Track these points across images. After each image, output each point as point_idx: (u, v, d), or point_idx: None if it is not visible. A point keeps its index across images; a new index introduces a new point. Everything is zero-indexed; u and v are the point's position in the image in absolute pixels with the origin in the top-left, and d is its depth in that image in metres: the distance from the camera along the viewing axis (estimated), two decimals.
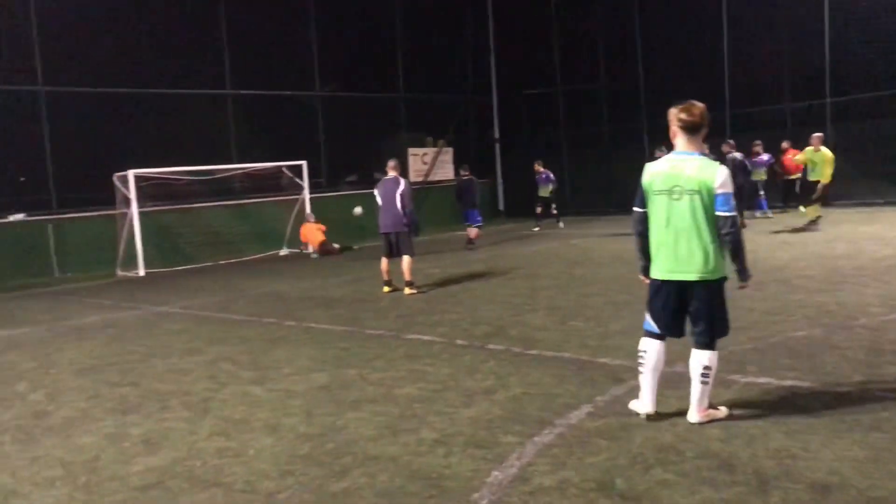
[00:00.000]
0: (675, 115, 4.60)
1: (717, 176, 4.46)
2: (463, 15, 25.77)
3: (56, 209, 17.13)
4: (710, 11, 21.65)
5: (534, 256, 14.37)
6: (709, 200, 4.47)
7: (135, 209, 16.18)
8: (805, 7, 20.47)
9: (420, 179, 24.01)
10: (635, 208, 4.79)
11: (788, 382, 4.88)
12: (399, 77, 24.00)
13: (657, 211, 4.63)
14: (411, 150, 24.33)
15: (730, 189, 4.48)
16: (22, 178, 17.68)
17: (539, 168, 19.98)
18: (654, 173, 4.66)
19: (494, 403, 5.36)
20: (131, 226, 16.34)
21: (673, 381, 5.51)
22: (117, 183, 16.62)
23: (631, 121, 23.55)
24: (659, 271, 4.68)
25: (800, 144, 18.71)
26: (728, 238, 4.48)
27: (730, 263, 4.59)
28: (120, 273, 16.39)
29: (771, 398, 4.83)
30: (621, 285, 10.02)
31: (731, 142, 17.30)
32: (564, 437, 4.60)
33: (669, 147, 4.76)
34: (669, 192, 4.54)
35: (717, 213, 4.47)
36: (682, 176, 4.51)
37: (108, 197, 17.01)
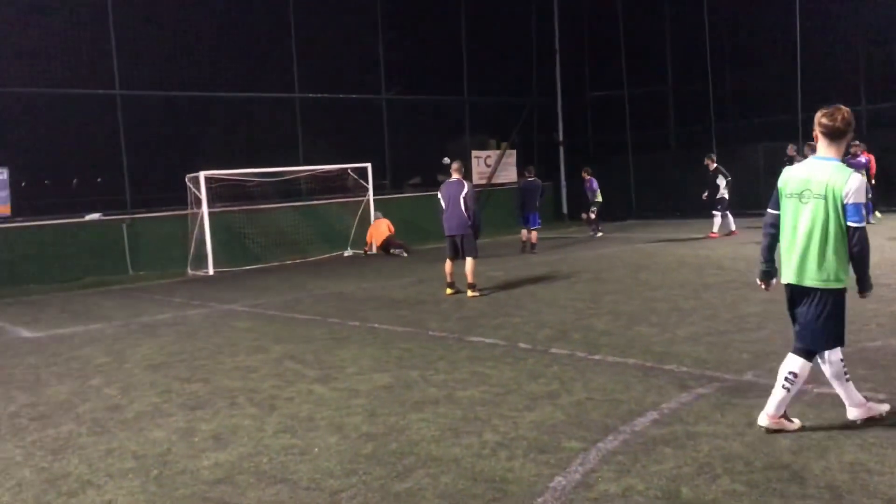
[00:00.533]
0: (818, 119, 4.51)
1: (848, 183, 4.32)
2: (528, 17, 25.67)
3: (130, 209, 17.68)
4: (782, 11, 21.06)
5: (597, 260, 14.23)
6: (834, 207, 4.35)
7: (205, 209, 16.59)
8: (882, 6, 19.80)
9: (483, 182, 24.02)
10: (769, 210, 4.72)
11: (863, 394, 4.72)
12: (464, 80, 24.05)
13: (787, 215, 4.57)
14: (475, 153, 24.39)
15: (861, 198, 4.33)
16: (98, 179, 18.34)
17: (586, 176, 19.76)
18: (789, 177, 4.60)
19: (558, 408, 5.33)
20: (202, 226, 16.76)
21: (742, 388, 5.39)
22: (189, 184, 17.07)
23: (698, 123, 23.12)
24: (783, 275, 4.63)
25: (875, 148, 18.14)
26: (855, 250, 4.36)
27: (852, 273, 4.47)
28: (190, 272, 16.82)
29: (844, 410, 4.69)
30: (688, 291, 9.85)
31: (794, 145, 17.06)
32: (629, 443, 4.55)
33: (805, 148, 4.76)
34: (800, 195, 4.48)
35: (847, 224, 4.35)
36: (814, 180, 4.42)
37: (181, 197, 17.48)
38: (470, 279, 10.78)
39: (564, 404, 5.41)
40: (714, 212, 17.19)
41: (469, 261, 10.82)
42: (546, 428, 4.92)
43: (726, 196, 17.10)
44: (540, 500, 3.85)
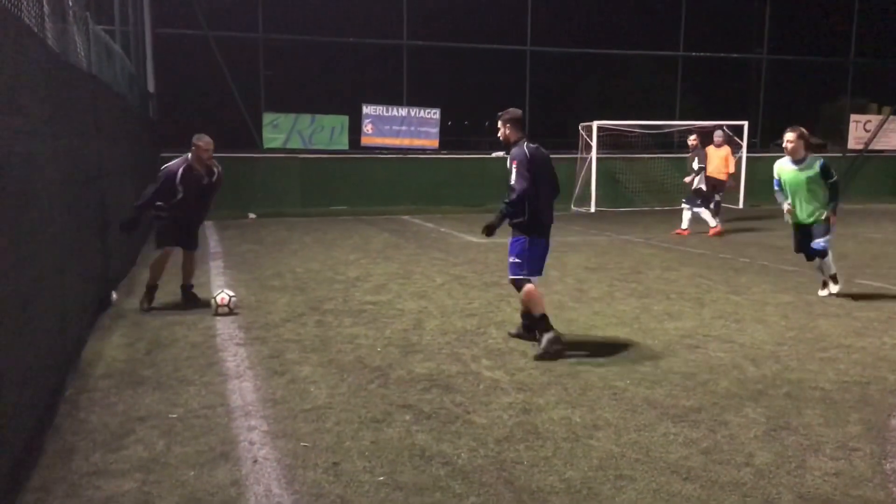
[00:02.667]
0: None
1: None
2: None
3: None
4: None
5: None
6: None
7: (594, 155, 18.98)
8: None
9: (860, 147, 23.56)
10: None
11: None
12: (852, 40, 23.54)
13: None
14: (853, 117, 23.90)
15: None
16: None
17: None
18: None
19: None
20: (589, 169, 19.20)
21: None
22: (582, 131, 19.56)
23: None
24: None
25: None
26: None
27: None
28: (574, 209, 19.40)
29: None
30: None
31: None
32: None
33: None
34: None
35: None
36: None
37: (571, 143, 20.09)
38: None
39: None
40: (685, 203, 14.38)
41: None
42: None
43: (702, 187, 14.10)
44: None
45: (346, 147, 19.56)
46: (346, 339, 6.39)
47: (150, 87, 17.03)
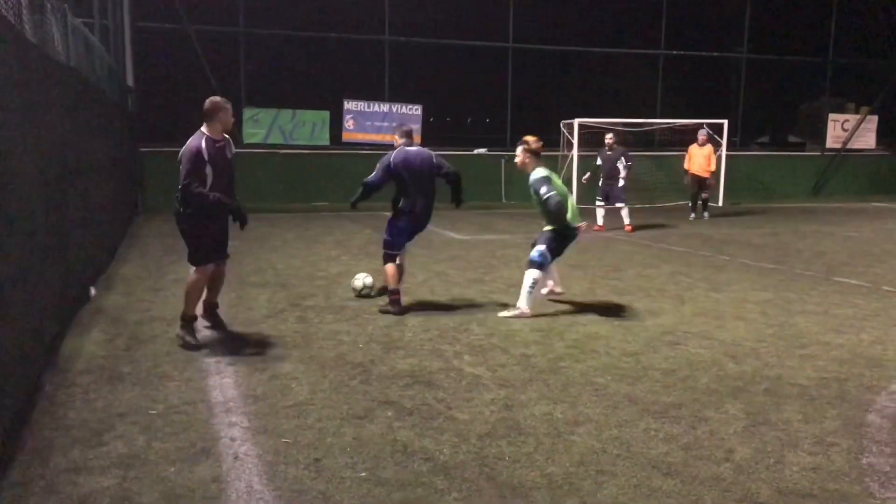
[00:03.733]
0: None
1: None
2: None
3: (509, 147, 20.71)
4: None
5: None
6: None
7: (576, 152, 19.03)
8: None
9: (838, 146, 23.81)
10: None
11: None
12: (830, 40, 23.76)
13: None
14: (832, 116, 24.14)
15: None
16: (487, 120, 21.67)
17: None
18: None
19: None
20: (570, 166, 19.24)
21: None
22: (563, 129, 19.61)
23: None
24: None
25: None
26: None
27: None
28: None
29: None
30: None
31: None
32: None
33: None
34: None
35: None
36: None
37: (553, 140, 20.11)
38: None
39: None
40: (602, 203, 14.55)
41: None
42: None
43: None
44: None
45: (328, 142, 19.50)
46: (328, 335, 6.37)
47: (129, 81, 16.88)
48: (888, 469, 3.83)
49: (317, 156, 19.19)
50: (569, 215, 7.04)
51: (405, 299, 7.46)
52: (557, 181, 7.11)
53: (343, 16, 19.21)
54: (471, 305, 7.59)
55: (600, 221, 14.47)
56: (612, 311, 7.38)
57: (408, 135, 7.74)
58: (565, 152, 19.65)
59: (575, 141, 19.06)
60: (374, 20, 19.64)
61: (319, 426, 4.30)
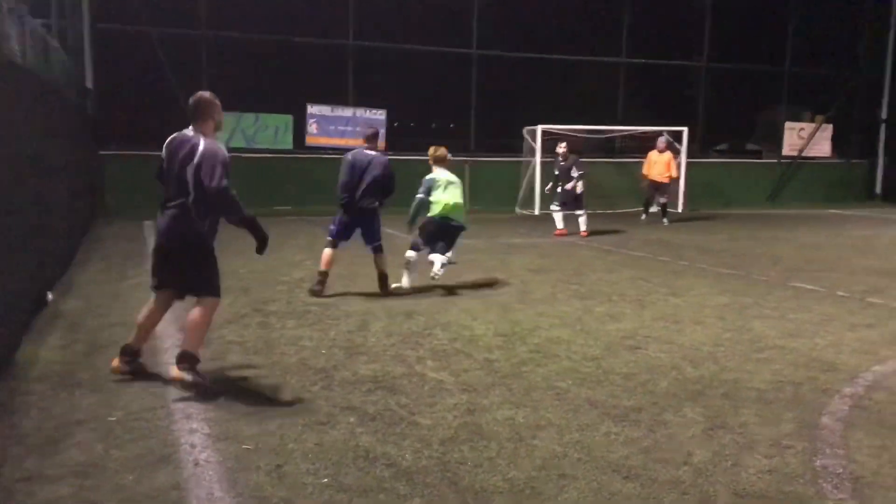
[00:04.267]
0: None
1: None
2: None
3: (473, 151, 20.80)
4: None
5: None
6: None
7: (538, 159, 19.15)
8: None
9: (794, 153, 24.29)
10: None
11: None
12: (787, 49, 24.24)
13: None
14: (788, 124, 24.61)
15: None
16: (451, 125, 21.71)
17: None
18: None
19: (875, 333, 6.89)
20: (533, 173, 19.37)
21: None
22: (526, 135, 19.73)
23: None
24: None
25: None
26: None
27: None
28: (518, 211, 19.56)
29: None
30: None
31: None
32: None
33: None
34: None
35: None
36: None
37: (516, 145, 20.26)
38: None
39: (882, 332, 6.93)
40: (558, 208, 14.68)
41: None
42: (866, 342, 6.53)
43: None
44: (863, 374, 5.57)
45: (291, 147, 19.36)
46: (290, 340, 6.33)
47: (89, 83, 16.61)
48: (840, 471, 3.92)
49: (280, 160, 19.04)
50: (434, 212, 8.61)
51: (369, 306, 7.45)
52: (443, 183, 8.73)
53: (307, 20, 19.10)
54: (434, 310, 7.60)
55: (560, 225, 14.67)
56: (573, 315, 7.45)
57: (369, 138, 8.64)
58: (528, 158, 19.78)
59: (538, 147, 19.18)
60: (338, 25, 19.58)
61: (281, 432, 4.28)
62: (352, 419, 4.51)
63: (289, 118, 19.22)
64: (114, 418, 4.45)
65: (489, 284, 9.12)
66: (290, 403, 4.78)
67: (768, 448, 4.20)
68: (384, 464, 3.88)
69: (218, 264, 5.30)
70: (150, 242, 11.90)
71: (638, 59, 22.53)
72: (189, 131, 5.17)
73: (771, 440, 4.32)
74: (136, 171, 10.69)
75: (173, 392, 4.93)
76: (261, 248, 5.36)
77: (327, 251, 8.45)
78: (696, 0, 23.17)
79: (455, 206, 8.73)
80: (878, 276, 10.05)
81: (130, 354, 5.27)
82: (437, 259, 8.54)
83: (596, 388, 5.20)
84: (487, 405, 4.80)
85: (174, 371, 4.95)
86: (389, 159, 8.66)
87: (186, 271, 5.14)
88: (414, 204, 8.67)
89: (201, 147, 5.02)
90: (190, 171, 5.00)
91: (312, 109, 19.39)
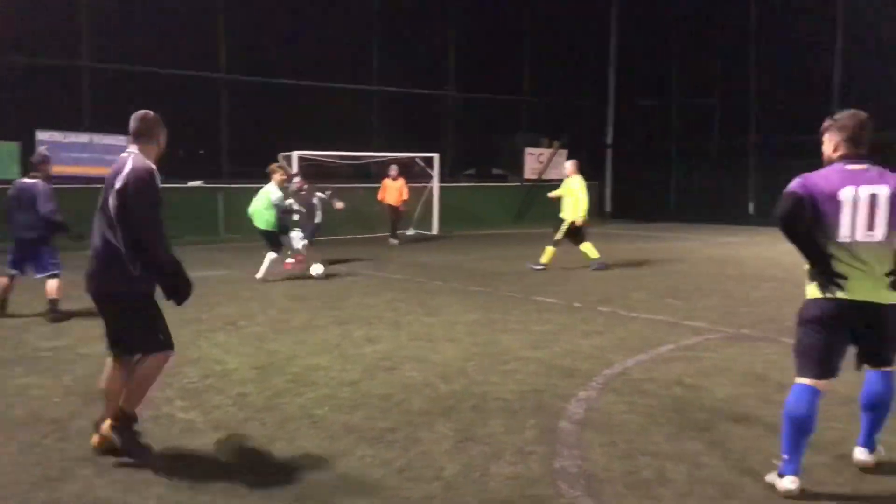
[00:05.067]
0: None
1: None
2: (588, 24, 27.56)
3: (226, 179, 20.19)
4: (825, 34, 22.82)
5: (636, 253, 16.38)
6: None
7: (295, 185, 18.97)
8: None
9: (535, 177, 26.17)
10: None
11: None
12: (524, 80, 26.16)
13: None
14: (528, 150, 26.51)
15: None
16: (201, 152, 20.91)
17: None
18: None
19: (605, 339, 7.57)
20: (286, 195, 19.14)
21: (738, 337, 7.52)
22: (282, 161, 19.48)
23: (740, 137, 25.07)
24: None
25: None
26: None
27: None
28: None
29: None
30: (712, 278, 11.97)
31: None
32: (654, 358, 6.77)
33: None
34: None
35: None
36: None
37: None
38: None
39: (610, 337, 7.64)
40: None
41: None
42: (598, 349, 7.15)
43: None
44: (597, 378, 6.09)
45: (18, 177, 17.58)
46: (17, 390, 5.72)
47: None
48: (575, 470, 4.24)
49: (5, 191, 17.24)
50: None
51: None
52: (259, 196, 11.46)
53: (33, 38, 17.56)
54: (185, 346, 7.22)
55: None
56: (332, 341, 7.44)
57: (32, 166, 8.89)
58: (287, 185, 19.51)
59: (294, 173, 19.01)
60: (71, 44, 18.20)
61: (4, 494, 3.83)
62: (88, 472, 4.15)
63: (14, 145, 17.47)
64: None
65: (245, 315, 8.85)
66: (15, 461, 4.30)
67: (513, 455, 4.45)
68: None
69: (160, 315, 4.65)
70: None
71: (391, 87, 23.17)
72: None
73: (516, 447, 4.57)
74: None
75: None
76: (178, 300, 4.64)
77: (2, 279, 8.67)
78: (441, 34, 24.35)
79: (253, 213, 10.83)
80: (606, 285, 11.07)
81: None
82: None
83: (353, 412, 5.22)
84: (237, 442, 4.64)
85: (103, 428, 4.42)
86: (50, 187, 8.69)
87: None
88: None
89: None
90: None
91: (42, 136, 17.75)
